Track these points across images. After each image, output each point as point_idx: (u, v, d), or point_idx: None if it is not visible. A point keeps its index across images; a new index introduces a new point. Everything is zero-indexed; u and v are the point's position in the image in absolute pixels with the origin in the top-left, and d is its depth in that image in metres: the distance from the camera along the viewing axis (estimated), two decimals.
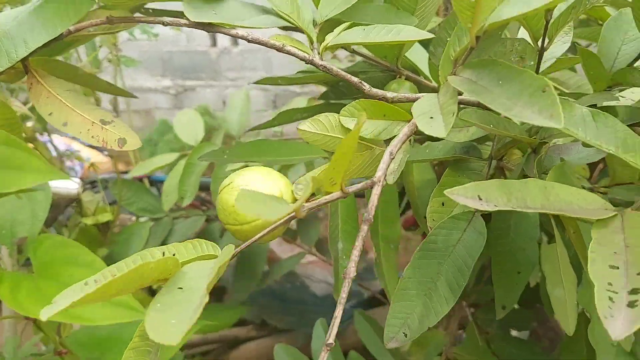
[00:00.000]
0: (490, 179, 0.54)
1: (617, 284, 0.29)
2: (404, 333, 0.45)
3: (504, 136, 0.45)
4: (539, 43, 0.44)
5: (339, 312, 0.34)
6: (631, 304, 0.28)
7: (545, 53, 0.45)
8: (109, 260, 1.20)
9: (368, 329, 0.83)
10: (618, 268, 0.30)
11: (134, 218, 1.36)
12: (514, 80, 0.32)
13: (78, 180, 1.06)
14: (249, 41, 0.45)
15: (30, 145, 1.13)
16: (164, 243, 1.26)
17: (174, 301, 0.30)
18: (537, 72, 0.45)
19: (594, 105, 0.46)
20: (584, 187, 0.58)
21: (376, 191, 0.35)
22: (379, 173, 0.35)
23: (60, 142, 1.56)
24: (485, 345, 0.82)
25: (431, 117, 0.35)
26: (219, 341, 1.45)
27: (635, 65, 0.45)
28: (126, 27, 0.54)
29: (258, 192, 0.34)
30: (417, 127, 0.36)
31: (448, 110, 0.34)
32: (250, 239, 0.37)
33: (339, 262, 0.59)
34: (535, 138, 0.44)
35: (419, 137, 0.62)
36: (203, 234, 1.31)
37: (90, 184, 1.34)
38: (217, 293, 1.59)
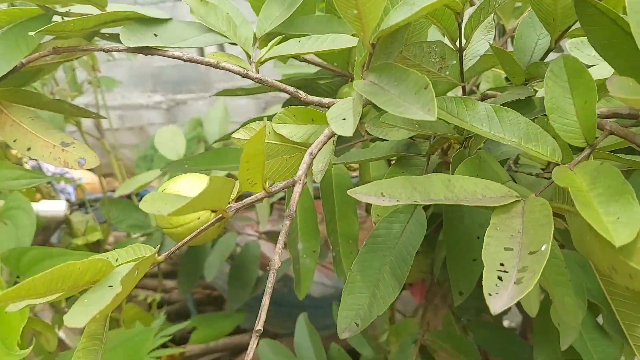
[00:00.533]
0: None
1: (509, 264, 0.32)
2: (355, 323, 0.48)
3: (438, 135, 0.48)
4: (457, 44, 0.46)
5: (266, 300, 0.37)
6: (518, 281, 0.30)
7: (466, 52, 0.48)
8: None
9: None
10: (512, 249, 0.33)
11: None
12: (405, 80, 0.35)
13: (65, 202, 1.09)
14: (184, 61, 0.48)
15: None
16: None
17: (100, 296, 0.33)
18: (461, 70, 0.48)
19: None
20: (531, 174, 0.61)
21: (297, 189, 0.38)
22: (300, 172, 0.38)
23: (51, 165, 1.60)
24: (462, 332, 0.84)
25: (344, 119, 0.38)
26: (222, 350, 1.48)
27: (546, 59, 0.47)
28: (84, 53, 0.58)
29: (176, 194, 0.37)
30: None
31: (356, 112, 0.37)
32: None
33: (300, 261, 0.62)
34: (462, 135, 0.47)
35: (371, 137, 0.64)
36: (193, 246, 1.34)
37: (81, 205, 1.37)
38: (218, 303, 1.62)
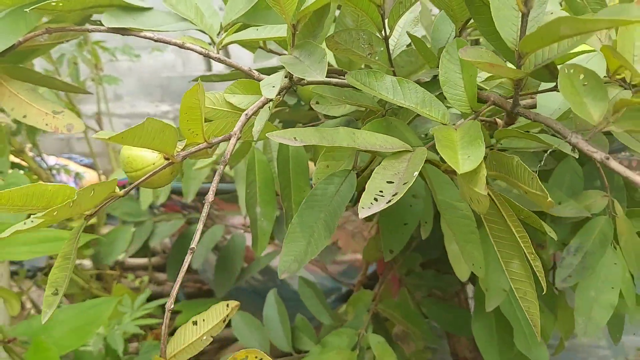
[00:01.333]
0: None
1: (387, 191, 0.40)
2: (293, 266, 0.56)
3: (364, 106, 0.57)
4: (382, 33, 0.55)
5: (200, 225, 0.45)
6: (389, 201, 0.39)
7: (395, 42, 0.57)
8: (95, 259, 1.32)
9: (311, 294, 0.95)
10: (393, 182, 0.41)
11: None
12: (314, 53, 0.44)
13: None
14: (155, 40, 0.57)
15: (19, 158, 1.26)
16: (145, 244, 1.38)
17: None
18: (388, 56, 0.57)
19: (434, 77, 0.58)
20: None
21: (232, 141, 0.47)
22: (235, 128, 0.47)
23: (53, 160, 1.70)
24: (416, 307, 0.93)
25: (273, 86, 0.47)
26: (210, 342, 1.55)
27: None
28: (74, 36, 0.67)
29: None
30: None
31: (282, 81, 0.46)
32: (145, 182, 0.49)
33: (257, 223, 0.71)
34: (383, 107, 0.56)
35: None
36: (182, 235, 1.43)
37: None
38: (208, 296, 1.70)
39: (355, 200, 1.01)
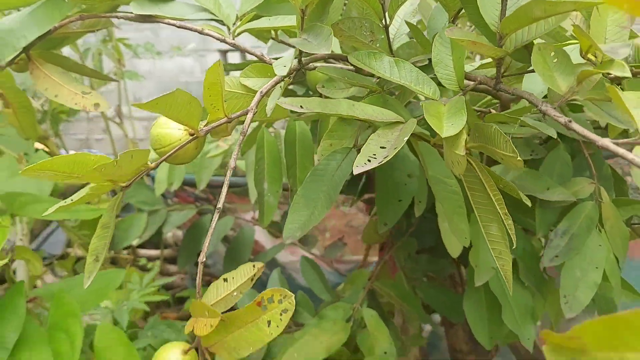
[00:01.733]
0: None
1: (379, 154, 0.46)
2: (297, 234, 0.61)
3: (364, 86, 0.63)
4: (383, 22, 0.61)
5: (227, 179, 0.51)
6: (381, 162, 0.45)
7: (396, 31, 0.63)
8: (111, 244, 1.39)
9: (312, 273, 1.00)
10: (385, 147, 0.47)
11: None
12: (321, 34, 0.50)
13: None
14: (177, 27, 0.63)
15: (42, 145, 1.33)
16: (159, 231, 1.45)
17: None
18: (389, 43, 0.63)
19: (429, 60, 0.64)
20: None
21: (249, 115, 0.52)
22: (252, 104, 0.53)
23: (72, 152, 1.77)
24: (412, 290, 0.98)
25: (284, 66, 0.53)
26: None
27: None
28: (104, 24, 0.74)
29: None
30: (281, 77, 0.54)
31: (292, 60, 0.52)
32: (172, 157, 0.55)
33: (264, 198, 0.77)
34: (382, 88, 0.62)
35: None
36: (193, 226, 1.49)
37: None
38: None
39: (360, 193, 1.07)
